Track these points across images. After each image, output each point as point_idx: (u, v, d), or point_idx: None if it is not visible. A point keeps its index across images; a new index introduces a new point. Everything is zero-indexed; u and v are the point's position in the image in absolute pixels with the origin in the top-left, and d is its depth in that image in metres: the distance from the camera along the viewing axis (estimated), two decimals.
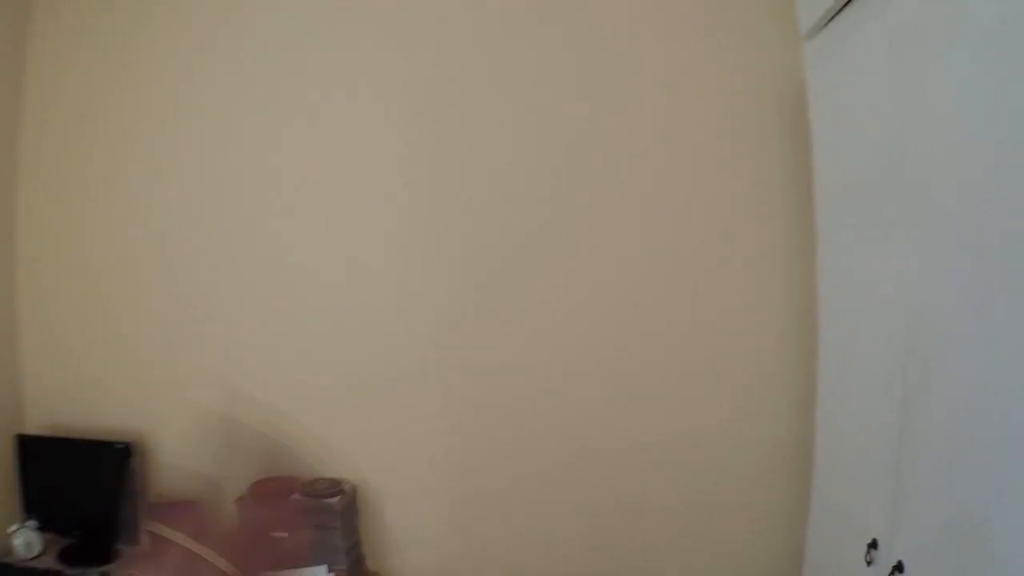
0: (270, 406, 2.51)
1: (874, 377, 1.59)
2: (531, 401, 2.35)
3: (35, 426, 2.63)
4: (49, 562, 2.34)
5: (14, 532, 2.34)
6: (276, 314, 2.49)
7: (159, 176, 2.51)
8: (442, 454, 2.44)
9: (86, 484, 2.46)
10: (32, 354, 2.66)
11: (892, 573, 1.38)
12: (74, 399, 2.64)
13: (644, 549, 2.34)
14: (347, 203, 2.40)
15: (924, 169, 1.33)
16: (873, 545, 1.50)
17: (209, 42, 2.45)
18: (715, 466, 2.26)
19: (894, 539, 1.44)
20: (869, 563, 1.51)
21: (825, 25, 1.84)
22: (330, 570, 2.29)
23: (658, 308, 2.24)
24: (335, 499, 2.33)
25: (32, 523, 2.38)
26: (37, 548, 2.36)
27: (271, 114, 2.42)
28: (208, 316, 2.53)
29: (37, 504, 2.46)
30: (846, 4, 1.69)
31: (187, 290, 2.53)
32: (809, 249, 2.01)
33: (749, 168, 2.14)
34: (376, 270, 2.40)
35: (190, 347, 2.55)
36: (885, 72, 1.43)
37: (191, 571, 2.32)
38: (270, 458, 2.52)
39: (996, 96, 1.11)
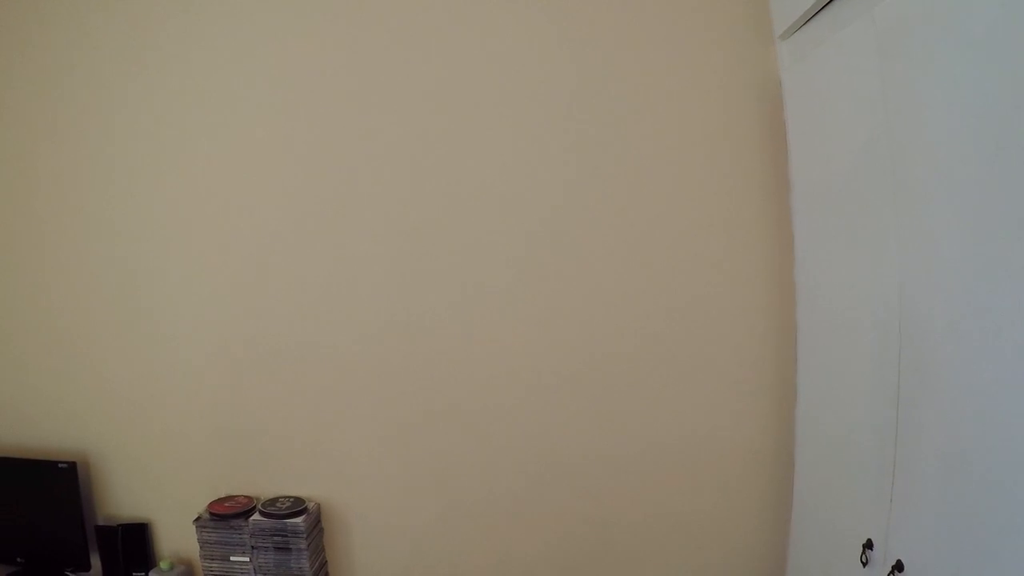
0: (227, 420, 2.39)
1: (863, 377, 1.57)
2: (504, 414, 2.28)
3: None
4: None
5: None
6: (233, 327, 2.36)
7: (107, 186, 2.37)
8: (410, 469, 2.34)
9: (29, 507, 2.30)
10: None
11: (892, 573, 1.35)
12: (14, 415, 2.47)
13: (622, 563, 2.29)
14: (320, 212, 2.29)
15: (917, 168, 1.32)
16: (868, 545, 1.48)
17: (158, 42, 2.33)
18: (694, 475, 2.23)
19: (891, 538, 1.42)
20: (865, 563, 1.48)
21: (801, 27, 1.86)
22: None
23: (633, 314, 2.20)
24: (299, 519, 2.22)
25: None
26: None
27: (231, 116, 2.30)
28: (159, 329, 2.38)
29: None
30: (824, 7, 1.71)
31: (137, 302, 2.39)
32: (789, 251, 2.02)
33: (727, 170, 2.13)
34: (346, 281, 2.30)
35: (140, 359, 2.40)
36: (873, 72, 1.43)
37: None
38: (228, 476, 2.40)
39: (987, 96, 1.12)
